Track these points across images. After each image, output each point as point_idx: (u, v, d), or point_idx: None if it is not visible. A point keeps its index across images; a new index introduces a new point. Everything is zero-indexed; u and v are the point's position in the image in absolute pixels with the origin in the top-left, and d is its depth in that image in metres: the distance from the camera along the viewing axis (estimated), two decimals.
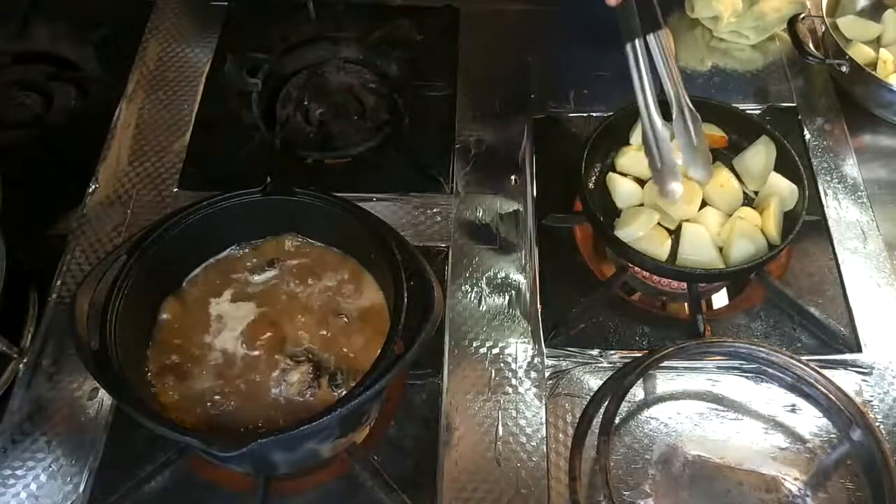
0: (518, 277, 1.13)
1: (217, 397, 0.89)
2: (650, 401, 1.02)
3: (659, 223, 1.08)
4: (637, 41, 0.97)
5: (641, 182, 1.14)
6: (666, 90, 1.00)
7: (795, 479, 0.96)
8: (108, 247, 1.14)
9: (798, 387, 1.02)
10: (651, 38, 0.97)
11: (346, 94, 1.34)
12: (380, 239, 0.92)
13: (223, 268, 0.99)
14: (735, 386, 1.03)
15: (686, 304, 1.12)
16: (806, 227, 1.07)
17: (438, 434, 0.99)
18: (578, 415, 0.99)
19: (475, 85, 1.35)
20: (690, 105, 1.02)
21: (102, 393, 1.01)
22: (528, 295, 1.11)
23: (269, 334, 0.94)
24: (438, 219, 1.18)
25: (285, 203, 0.97)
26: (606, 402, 0.97)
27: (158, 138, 1.28)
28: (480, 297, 1.11)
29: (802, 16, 1.33)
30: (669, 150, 1.02)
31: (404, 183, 1.22)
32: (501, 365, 1.05)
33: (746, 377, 1.04)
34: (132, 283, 0.89)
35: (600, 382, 1.02)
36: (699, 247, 1.06)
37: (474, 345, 1.07)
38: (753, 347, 1.02)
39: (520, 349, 1.06)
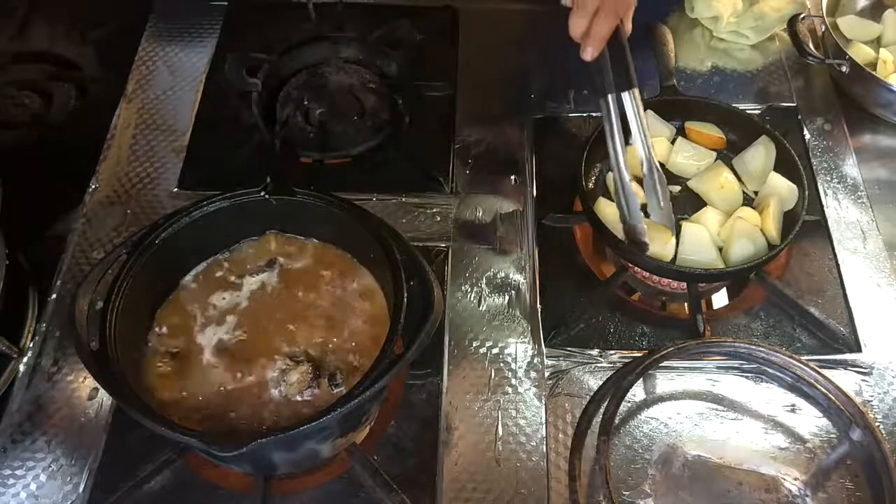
0: (518, 277, 1.13)
1: (217, 397, 0.89)
2: (650, 401, 1.02)
3: None
4: (611, 96, 0.96)
5: (641, 182, 1.14)
6: (637, 149, 0.99)
7: (795, 479, 0.96)
8: (108, 247, 1.14)
9: (798, 387, 1.02)
10: (625, 95, 0.96)
11: (346, 94, 1.34)
12: (380, 239, 0.92)
13: (223, 268, 0.99)
14: (735, 386, 1.03)
15: (686, 304, 1.12)
16: (806, 227, 1.07)
17: (438, 434, 0.99)
18: (578, 415, 0.99)
19: (475, 85, 1.35)
20: (658, 166, 1.01)
21: (102, 393, 1.01)
22: (528, 295, 1.11)
23: (268, 334, 0.94)
24: (438, 219, 1.19)
25: (285, 203, 0.97)
26: (606, 402, 0.97)
27: (158, 138, 1.28)
28: (480, 297, 1.11)
29: (802, 16, 1.33)
30: (637, 207, 1.01)
31: (404, 183, 1.22)
32: (501, 365, 1.05)
33: (746, 377, 1.04)
34: (132, 283, 0.89)
35: (600, 382, 1.02)
36: (699, 247, 1.06)
37: (474, 345, 1.07)
38: (753, 347, 1.02)
39: (520, 349, 1.06)
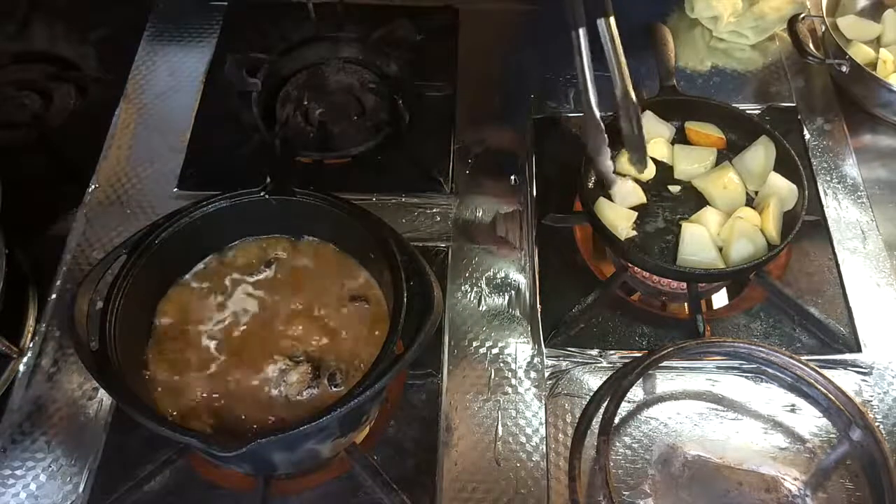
0: (518, 277, 1.13)
1: (217, 397, 0.89)
2: (650, 401, 1.02)
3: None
4: (581, 31, 0.96)
5: (641, 182, 1.14)
6: (612, 77, 0.99)
7: (795, 479, 0.96)
8: (108, 247, 1.14)
9: (798, 387, 1.02)
10: (599, 23, 0.95)
11: (346, 94, 1.34)
12: (380, 239, 0.92)
13: (222, 267, 0.99)
14: (735, 386, 1.03)
15: (686, 304, 1.12)
16: (806, 227, 1.07)
17: (438, 434, 0.99)
18: (578, 415, 0.99)
19: (475, 85, 1.35)
20: (633, 95, 1.01)
21: (102, 393, 1.01)
22: (527, 295, 1.11)
23: (268, 334, 0.94)
24: (438, 219, 1.19)
25: (285, 203, 0.97)
26: (606, 402, 0.97)
27: (158, 138, 1.28)
28: (480, 297, 1.11)
29: (802, 16, 1.33)
30: (604, 145, 1.03)
31: (404, 183, 1.22)
32: (501, 365, 1.05)
33: (746, 377, 1.04)
34: (132, 283, 0.89)
35: (600, 382, 1.02)
36: (699, 247, 1.06)
37: (474, 345, 1.07)
38: (753, 347, 1.02)
39: (519, 349, 1.06)
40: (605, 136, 1.02)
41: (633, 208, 1.11)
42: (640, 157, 1.07)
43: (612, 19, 0.96)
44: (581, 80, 0.99)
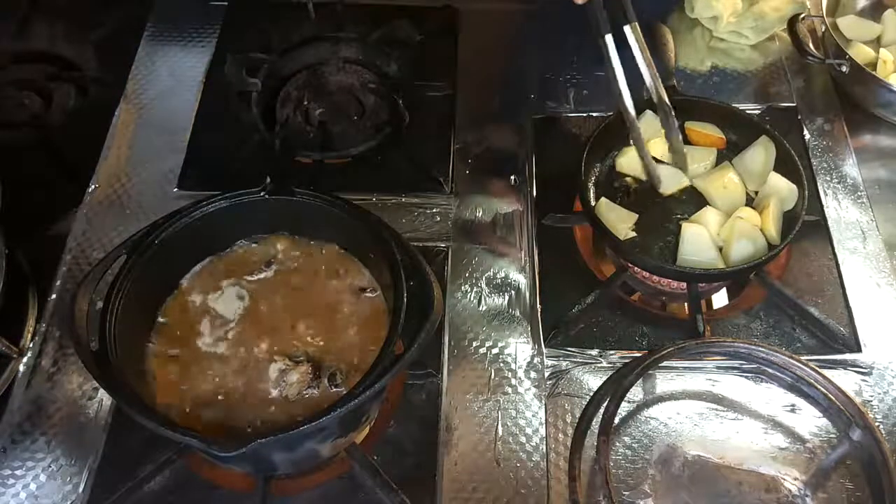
0: (518, 277, 1.13)
1: (217, 397, 0.89)
2: (650, 401, 1.02)
3: None
4: (608, 37, 0.98)
5: (642, 182, 1.14)
6: (646, 81, 1.03)
7: (795, 479, 0.96)
8: (108, 247, 1.14)
9: (798, 387, 1.02)
10: (626, 29, 0.97)
11: (346, 94, 1.34)
12: (380, 239, 0.92)
13: (222, 268, 0.99)
14: (735, 386, 1.03)
15: (686, 304, 1.12)
16: (805, 227, 1.07)
17: (438, 434, 0.99)
18: (578, 415, 0.99)
19: (475, 85, 1.35)
20: (665, 97, 1.06)
21: (102, 393, 1.01)
22: (527, 295, 1.11)
23: (268, 334, 0.94)
24: (438, 219, 1.19)
25: (285, 203, 0.97)
26: (606, 403, 0.97)
27: (158, 138, 1.28)
28: (480, 297, 1.11)
29: (802, 16, 1.33)
30: (643, 142, 1.08)
31: (404, 183, 1.22)
32: (501, 365, 1.05)
33: (746, 377, 1.04)
34: (132, 283, 0.89)
35: (600, 382, 1.02)
36: (699, 247, 1.06)
37: (474, 345, 1.07)
38: (753, 347, 1.02)
39: (519, 349, 1.06)
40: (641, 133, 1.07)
41: (634, 209, 1.11)
42: (680, 158, 1.12)
43: (635, 24, 0.97)
44: (614, 82, 1.01)
